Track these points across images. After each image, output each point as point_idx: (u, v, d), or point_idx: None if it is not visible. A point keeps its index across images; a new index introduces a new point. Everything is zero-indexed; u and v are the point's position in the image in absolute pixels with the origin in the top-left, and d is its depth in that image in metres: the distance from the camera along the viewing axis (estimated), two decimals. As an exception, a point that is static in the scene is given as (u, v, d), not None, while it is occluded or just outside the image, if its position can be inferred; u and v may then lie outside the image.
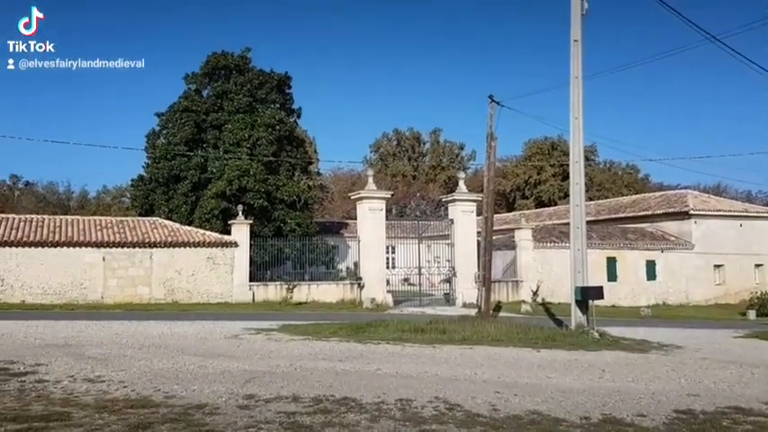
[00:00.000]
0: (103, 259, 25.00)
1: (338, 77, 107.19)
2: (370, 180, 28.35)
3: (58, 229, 25.63)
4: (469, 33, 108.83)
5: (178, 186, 30.82)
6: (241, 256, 26.62)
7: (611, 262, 31.00)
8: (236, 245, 26.64)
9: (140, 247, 25.54)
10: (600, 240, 30.95)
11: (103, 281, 24.91)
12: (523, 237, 30.03)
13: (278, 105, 33.44)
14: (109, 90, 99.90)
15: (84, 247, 24.90)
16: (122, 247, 25.36)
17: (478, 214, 28.34)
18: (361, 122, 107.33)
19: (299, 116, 35.53)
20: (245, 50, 33.42)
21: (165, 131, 32.65)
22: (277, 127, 31.68)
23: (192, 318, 19.19)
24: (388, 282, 27.90)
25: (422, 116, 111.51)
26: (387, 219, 28.53)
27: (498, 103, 20.67)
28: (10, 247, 24.04)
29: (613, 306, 26.83)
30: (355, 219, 31.22)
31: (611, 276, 30.46)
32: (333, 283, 28.37)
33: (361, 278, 27.32)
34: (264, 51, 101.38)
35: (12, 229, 25.06)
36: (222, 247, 26.57)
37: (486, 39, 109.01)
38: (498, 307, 24.90)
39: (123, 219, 29.44)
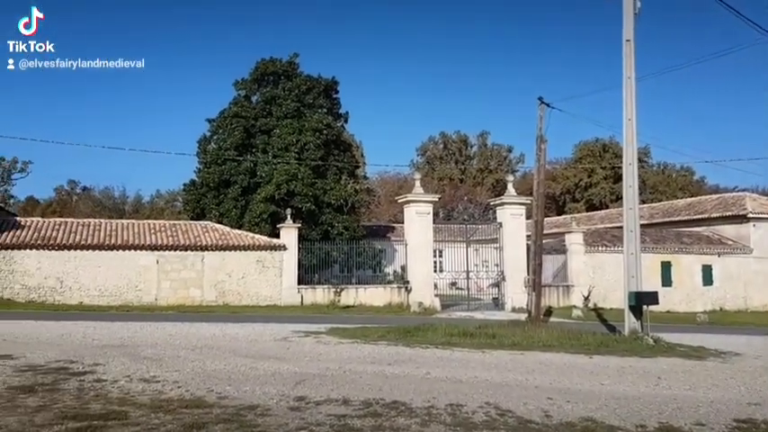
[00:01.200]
0: (157, 262, 25.63)
1: (385, 81, 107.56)
2: (417, 183, 28.26)
3: (114, 233, 26.40)
4: (517, 34, 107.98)
5: (228, 191, 31.42)
6: (290, 260, 26.91)
7: (666, 266, 30.13)
8: (284, 248, 26.95)
9: (192, 251, 26.07)
10: (654, 244, 30.14)
11: (157, 283, 25.53)
12: (574, 240, 29.49)
13: (325, 110, 33.74)
14: (158, 93, 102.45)
15: (138, 250, 25.56)
16: (175, 250, 25.93)
17: (528, 218, 27.96)
18: (407, 126, 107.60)
19: (345, 120, 35.84)
20: (293, 56, 33.88)
21: (215, 137, 33.36)
22: (324, 131, 31.98)
23: (243, 320, 19.48)
24: (435, 286, 27.71)
25: (469, 119, 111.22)
26: (434, 222, 28.37)
27: (548, 105, 20.38)
28: (69, 250, 24.84)
29: (668, 312, 26.07)
30: (402, 222, 31.19)
31: (666, 281, 29.62)
32: (380, 286, 28.42)
33: (408, 282, 27.27)
34: (311, 56, 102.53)
35: (70, 232, 25.94)
36: (271, 250, 26.91)
37: (534, 40, 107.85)
38: (549, 312, 24.52)
39: (176, 222, 30.10)
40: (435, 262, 29.92)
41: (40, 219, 29.34)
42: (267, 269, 26.69)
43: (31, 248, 24.43)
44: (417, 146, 72.52)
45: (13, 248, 24.19)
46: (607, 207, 52.85)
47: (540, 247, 20.88)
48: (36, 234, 25.29)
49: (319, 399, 7.80)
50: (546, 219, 30.26)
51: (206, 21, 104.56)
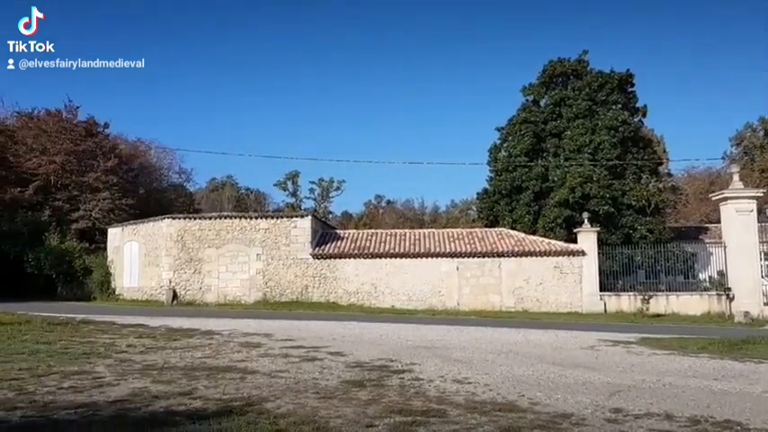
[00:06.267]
0: (457, 269, 26.76)
1: (686, 69, 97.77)
2: (736, 178, 25.13)
3: (417, 242, 28.32)
4: None
5: (520, 197, 31.60)
6: (589, 265, 25.95)
7: None
8: (583, 253, 26.06)
9: (489, 257, 26.69)
10: None
11: (458, 289, 26.64)
12: None
13: (620, 106, 32.08)
14: (451, 108, 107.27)
15: (440, 258, 27.02)
16: (473, 257, 26.82)
17: None
18: (717, 114, 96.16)
19: (644, 115, 33.53)
20: (583, 53, 32.98)
21: (505, 144, 33.82)
22: (620, 129, 30.41)
23: (543, 326, 19.23)
24: (764, 293, 24.23)
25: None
26: (759, 221, 25.01)
27: None
28: (380, 258, 27.33)
29: None
30: (716, 222, 28.13)
31: None
32: (695, 293, 25.86)
33: (729, 288, 24.32)
34: (600, 52, 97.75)
35: (380, 242, 28.55)
36: (568, 255, 26.24)
37: None
38: None
39: (472, 230, 31.18)
40: (762, 266, 26.12)
41: (354, 231, 32.88)
42: (565, 275, 26.08)
43: (349, 257, 27.42)
44: (731, 135, 64.01)
45: (335, 258, 27.43)
46: None
47: None
48: (353, 244, 28.34)
49: (638, 412, 7.23)
50: None
51: (489, 27, 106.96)
